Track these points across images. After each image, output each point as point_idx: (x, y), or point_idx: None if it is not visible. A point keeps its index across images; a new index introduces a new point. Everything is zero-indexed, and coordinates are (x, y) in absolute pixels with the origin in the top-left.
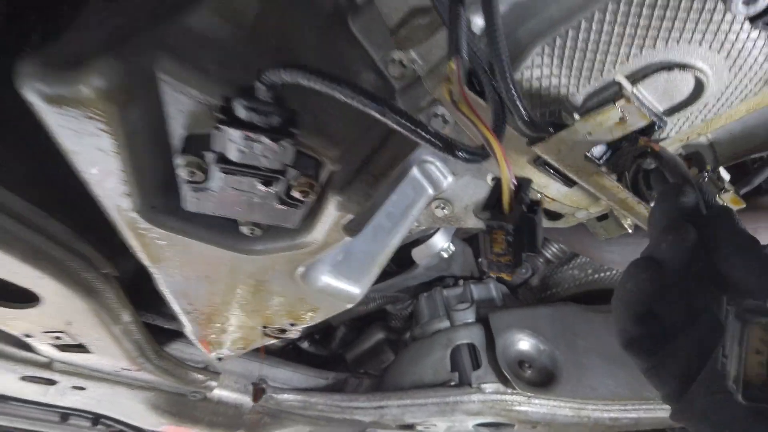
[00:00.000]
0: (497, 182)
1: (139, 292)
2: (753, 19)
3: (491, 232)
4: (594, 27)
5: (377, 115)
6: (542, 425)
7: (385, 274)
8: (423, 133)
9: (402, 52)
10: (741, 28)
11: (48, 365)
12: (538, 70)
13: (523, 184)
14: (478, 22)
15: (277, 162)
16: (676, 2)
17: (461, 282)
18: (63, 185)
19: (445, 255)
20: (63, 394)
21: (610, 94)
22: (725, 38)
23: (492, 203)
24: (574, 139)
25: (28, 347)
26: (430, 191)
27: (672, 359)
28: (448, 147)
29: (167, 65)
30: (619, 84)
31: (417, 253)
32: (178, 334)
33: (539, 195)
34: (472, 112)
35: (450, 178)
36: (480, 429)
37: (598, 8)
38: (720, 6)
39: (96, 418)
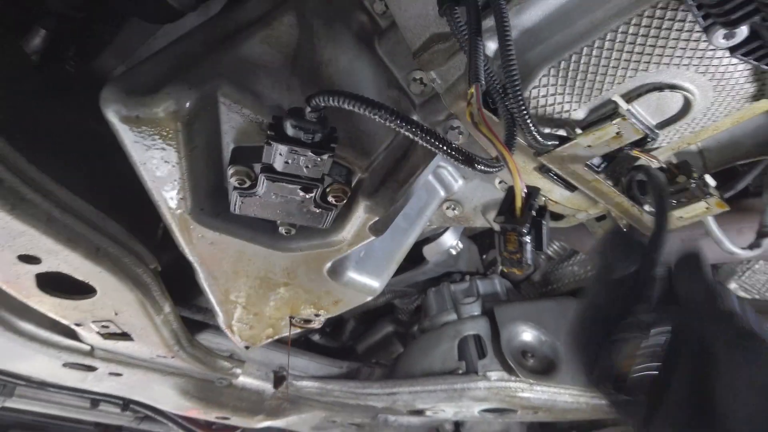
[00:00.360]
0: (510, 190)
1: (172, 286)
2: (732, 50)
3: (505, 233)
4: (594, 52)
5: (411, 135)
6: (543, 410)
7: (397, 270)
8: (449, 150)
9: (423, 72)
10: (723, 55)
11: (90, 352)
12: (545, 89)
13: (532, 192)
14: (491, 46)
15: (316, 172)
16: (666, 32)
17: (467, 277)
18: (118, 189)
19: (454, 252)
20: (100, 380)
21: (608, 110)
22: (709, 63)
23: (506, 208)
24: (575, 151)
25: (72, 335)
26: (442, 193)
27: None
28: (469, 161)
29: (226, 89)
30: (615, 103)
31: (428, 251)
32: (206, 326)
33: (544, 198)
34: (490, 132)
35: (461, 182)
36: (485, 414)
37: (598, 37)
38: (704, 36)
39: (126, 404)
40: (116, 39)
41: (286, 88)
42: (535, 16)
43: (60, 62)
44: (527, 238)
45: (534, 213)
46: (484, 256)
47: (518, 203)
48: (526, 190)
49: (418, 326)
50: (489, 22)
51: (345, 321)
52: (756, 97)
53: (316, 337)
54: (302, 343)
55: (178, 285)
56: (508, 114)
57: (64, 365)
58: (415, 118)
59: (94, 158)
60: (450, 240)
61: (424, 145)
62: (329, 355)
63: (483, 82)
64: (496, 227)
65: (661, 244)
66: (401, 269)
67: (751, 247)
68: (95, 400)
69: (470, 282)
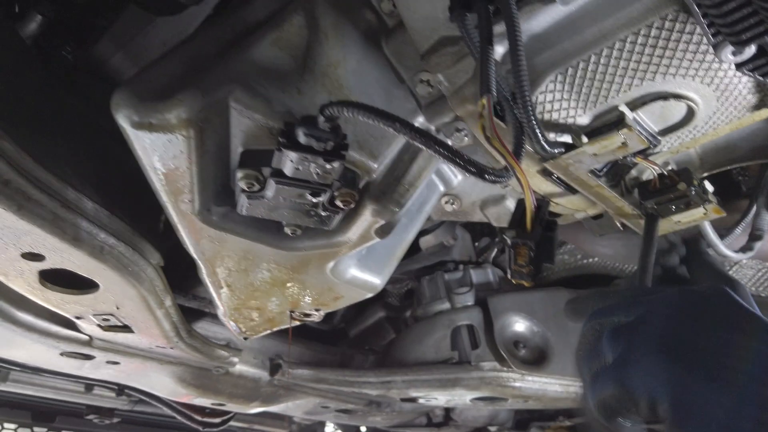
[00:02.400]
0: (520, 204)
1: (171, 275)
2: (739, 66)
3: (516, 247)
4: (602, 60)
5: (424, 147)
6: (533, 399)
7: None
8: (460, 161)
9: (430, 74)
10: (728, 68)
11: (88, 342)
12: (551, 94)
13: (542, 205)
14: (499, 50)
15: (326, 178)
16: (674, 44)
17: (461, 267)
18: (121, 182)
19: (448, 244)
20: (97, 368)
21: (613, 116)
22: (714, 75)
23: (516, 222)
24: (581, 159)
25: (71, 325)
26: (442, 188)
27: None
28: (480, 172)
29: (238, 95)
30: (620, 111)
31: (424, 242)
32: (203, 314)
33: (545, 198)
34: (503, 147)
35: (459, 177)
36: (476, 402)
37: (606, 45)
38: (711, 50)
39: (121, 389)
40: (114, 26)
41: (296, 91)
42: (545, 22)
43: (57, 49)
44: (537, 252)
45: (543, 226)
46: (477, 244)
47: (529, 217)
48: (536, 204)
49: (410, 313)
50: (499, 28)
51: None
52: (757, 107)
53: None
54: (295, 328)
55: (176, 273)
56: (516, 121)
57: (62, 354)
58: (421, 119)
59: (97, 151)
60: (446, 232)
61: (437, 156)
62: (321, 339)
63: (495, 94)
64: (508, 241)
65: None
66: None
67: (743, 249)
68: (89, 385)
69: (464, 271)
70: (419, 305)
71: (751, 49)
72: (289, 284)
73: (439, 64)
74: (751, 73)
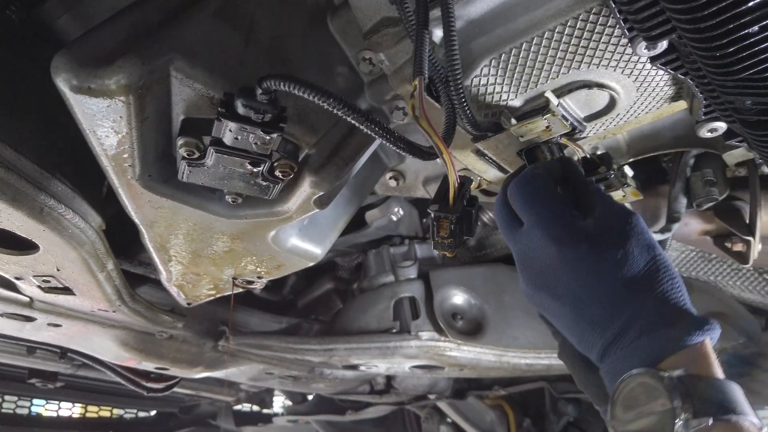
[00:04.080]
0: (444, 180)
1: (115, 240)
2: (653, 59)
3: (438, 219)
4: (533, 48)
5: (356, 123)
6: (469, 368)
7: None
8: (391, 139)
9: (372, 53)
10: (646, 61)
11: (29, 304)
12: (485, 78)
13: (465, 182)
14: (437, 33)
15: (265, 148)
16: (598, 36)
17: (407, 241)
18: (63, 145)
19: (395, 218)
20: (38, 330)
21: (542, 101)
22: (633, 67)
23: (440, 197)
24: (509, 140)
25: (11, 286)
26: (387, 164)
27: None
28: (411, 150)
29: (179, 64)
30: (547, 98)
31: (370, 216)
32: (148, 279)
33: (480, 178)
34: (429, 127)
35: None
36: (415, 370)
37: (537, 34)
38: (629, 43)
39: (63, 352)
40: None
41: (239, 63)
42: (481, 9)
43: (1, 8)
44: (458, 225)
45: (465, 203)
46: (424, 220)
47: (451, 193)
48: (459, 181)
49: (357, 285)
50: (436, 12)
51: (286, 276)
52: (674, 98)
53: (257, 291)
54: (244, 297)
55: (121, 238)
56: (449, 102)
57: (1, 315)
58: (365, 96)
59: (40, 113)
60: (392, 206)
61: (371, 134)
62: (270, 309)
63: (426, 75)
64: (431, 214)
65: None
66: (344, 232)
67: (662, 230)
68: (31, 347)
69: (409, 246)
70: (365, 277)
71: (662, 45)
72: (231, 252)
73: (381, 43)
74: (663, 68)
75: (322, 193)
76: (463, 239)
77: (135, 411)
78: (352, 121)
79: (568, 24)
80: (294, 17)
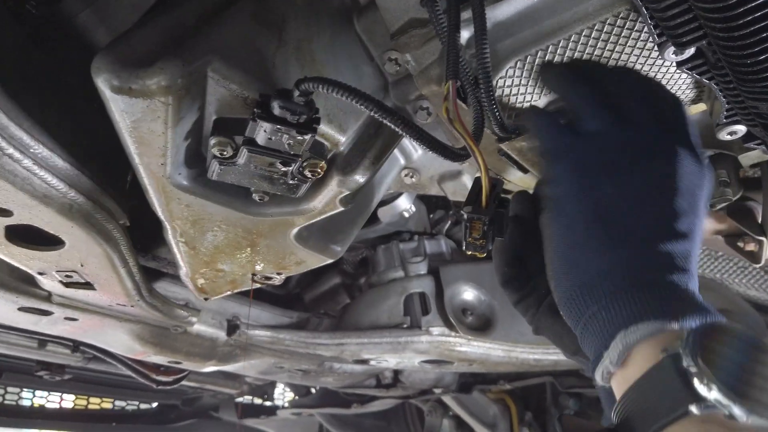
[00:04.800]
0: (477, 182)
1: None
2: (680, 64)
3: (472, 221)
4: (559, 51)
5: (392, 125)
6: (478, 363)
7: None
8: (427, 142)
9: (398, 53)
10: (671, 66)
11: (47, 298)
12: (510, 80)
13: (497, 184)
14: (464, 34)
15: (297, 149)
16: (624, 40)
17: (416, 237)
18: (91, 140)
19: (407, 215)
20: (54, 324)
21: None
22: (657, 71)
23: (473, 199)
24: (534, 142)
25: (30, 280)
26: (402, 161)
27: (532, 293)
28: (443, 152)
29: (216, 65)
30: None
31: (382, 213)
32: (163, 274)
33: (499, 176)
34: (463, 129)
35: (420, 151)
36: (424, 365)
37: (564, 37)
38: (656, 48)
39: (76, 346)
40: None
41: (271, 64)
42: (508, 11)
43: (21, 2)
44: (490, 227)
45: (497, 203)
46: (432, 216)
47: (484, 195)
48: (491, 183)
49: (365, 280)
50: (465, 14)
51: None
52: (695, 101)
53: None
54: (253, 292)
55: (138, 234)
56: (477, 104)
57: (20, 309)
58: (389, 95)
59: (65, 108)
60: (404, 203)
61: (404, 135)
62: (276, 303)
63: (459, 79)
64: (464, 216)
65: None
66: None
67: None
68: (43, 341)
69: (418, 242)
70: (374, 272)
71: (690, 50)
72: (253, 248)
73: (408, 44)
74: (689, 72)
75: (347, 192)
76: (493, 241)
77: (137, 403)
78: (389, 124)
79: (595, 27)
80: (321, 18)
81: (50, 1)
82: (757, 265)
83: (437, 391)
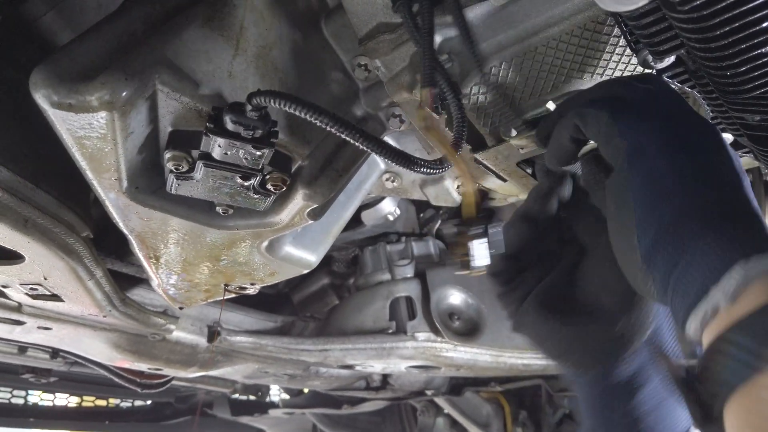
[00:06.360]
0: (465, 196)
1: (105, 240)
2: (659, 72)
3: (459, 235)
4: (535, 57)
5: (351, 140)
6: (465, 368)
7: None
8: (391, 155)
9: (368, 59)
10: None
11: (17, 308)
12: (484, 87)
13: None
14: (436, 39)
15: (255, 164)
16: (602, 45)
17: (403, 239)
18: (49, 159)
19: (391, 218)
20: (29, 332)
21: (543, 112)
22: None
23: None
24: (509, 151)
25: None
26: (382, 166)
27: (519, 286)
28: (411, 164)
29: (165, 77)
30: (547, 108)
31: (366, 216)
32: (140, 281)
33: (478, 184)
34: (441, 138)
35: None
36: (411, 370)
37: (540, 43)
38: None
39: (55, 352)
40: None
41: (227, 75)
42: (480, 13)
43: None
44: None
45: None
46: (421, 215)
47: (474, 205)
48: (479, 194)
49: (353, 281)
50: (437, 19)
51: None
52: None
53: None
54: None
55: (113, 238)
56: (458, 113)
57: None
58: (360, 102)
59: (23, 119)
60: (388, 206)
61: (366, 149)
62: (265, 304)
63: (435, 86)
64: (453, 230)
65: None
66: None
67: None
68: (23, 347)
69: (405, 244)
70: (361, 275)
71: (670, 58)
72: (222, 259)
73: (376, 49)
74: (670, 80)
75: (315, 206)
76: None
77: (131, 400)
78: (347, 138)
79: (573, 33)
80: (285, 24)
81: (14, 1)
82: None
83: (428, 392)
